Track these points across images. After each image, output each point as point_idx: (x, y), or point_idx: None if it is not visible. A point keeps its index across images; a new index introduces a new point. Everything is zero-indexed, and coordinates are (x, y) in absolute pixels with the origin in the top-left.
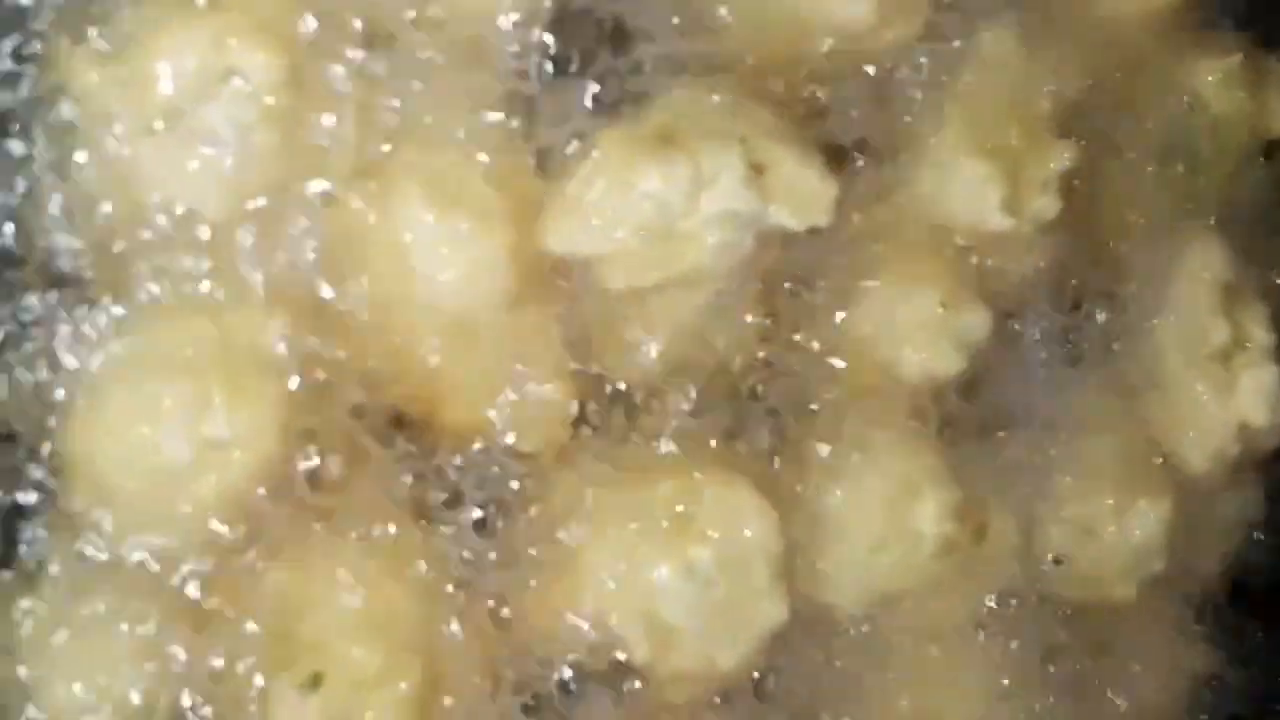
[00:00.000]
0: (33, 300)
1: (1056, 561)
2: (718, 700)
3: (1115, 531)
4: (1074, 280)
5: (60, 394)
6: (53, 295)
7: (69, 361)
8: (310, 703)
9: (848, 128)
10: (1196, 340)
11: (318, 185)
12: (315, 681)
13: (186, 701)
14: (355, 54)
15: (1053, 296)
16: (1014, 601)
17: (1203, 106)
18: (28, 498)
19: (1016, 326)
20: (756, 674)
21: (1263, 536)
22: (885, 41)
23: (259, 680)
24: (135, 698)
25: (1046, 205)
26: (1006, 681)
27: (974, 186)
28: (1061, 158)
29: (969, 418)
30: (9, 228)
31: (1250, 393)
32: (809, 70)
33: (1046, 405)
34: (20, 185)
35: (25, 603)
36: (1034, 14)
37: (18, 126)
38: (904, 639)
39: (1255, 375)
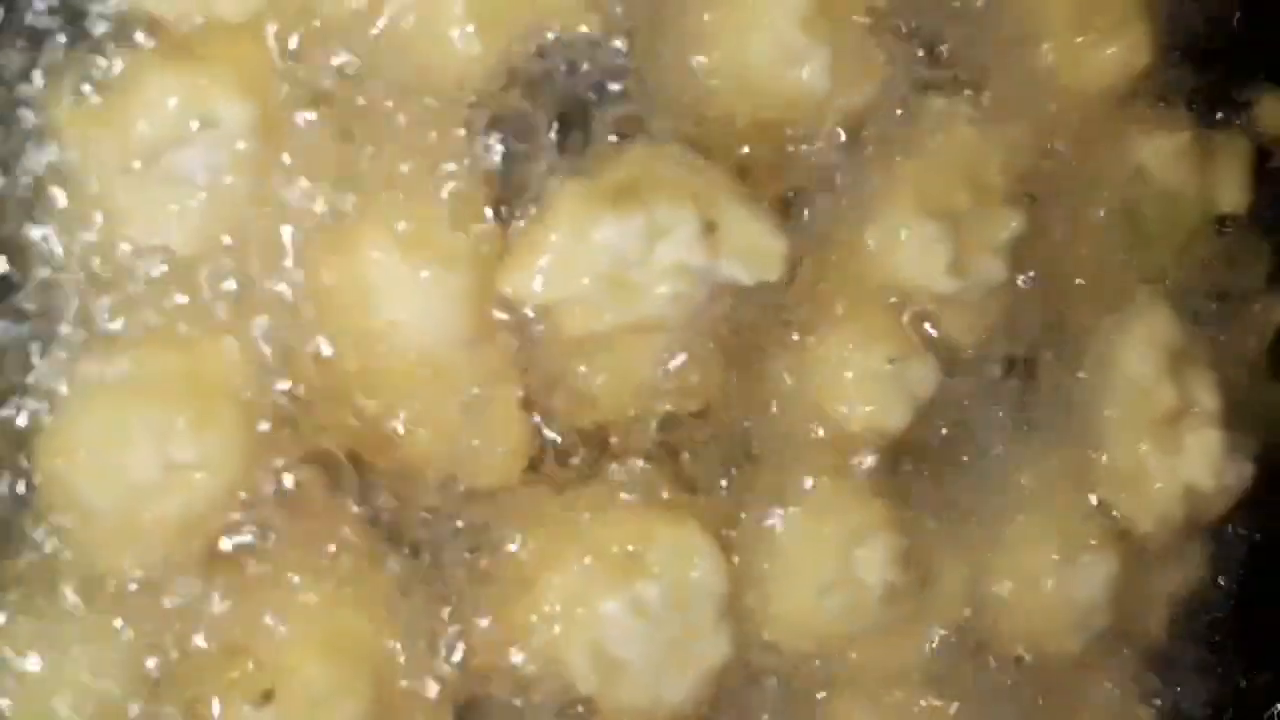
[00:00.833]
0: (12, 325)
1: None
2: None
3: (1059, 586)
4: (1024, 341)
5: (38, 415)
6: (33, 320)
7: (46, 383)
8: (261, 718)
9: (800, 186)
10: (1144, 403)
11: (286, 227)
12: (266, 697)
13: (141, 714)
14: (325, 104)
15: (1002, 356)
16: (960, 649)
17: (1151, 179)
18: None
19: (965, 383)
20: (701, 711)
21: (1206, 598)
22: (839, 106)
23: (213, 695)
24: (92, 709)
25: (994, 269)
26: None
27: (922, 248)
28: (1009, 224)
29: (917, 469)
30: None
31: (1196, 456)
32: (764, 130)
33: (995, 461)
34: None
35: None
36: (989, 82)
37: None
38: (850, 681)
39: (1201, 439)
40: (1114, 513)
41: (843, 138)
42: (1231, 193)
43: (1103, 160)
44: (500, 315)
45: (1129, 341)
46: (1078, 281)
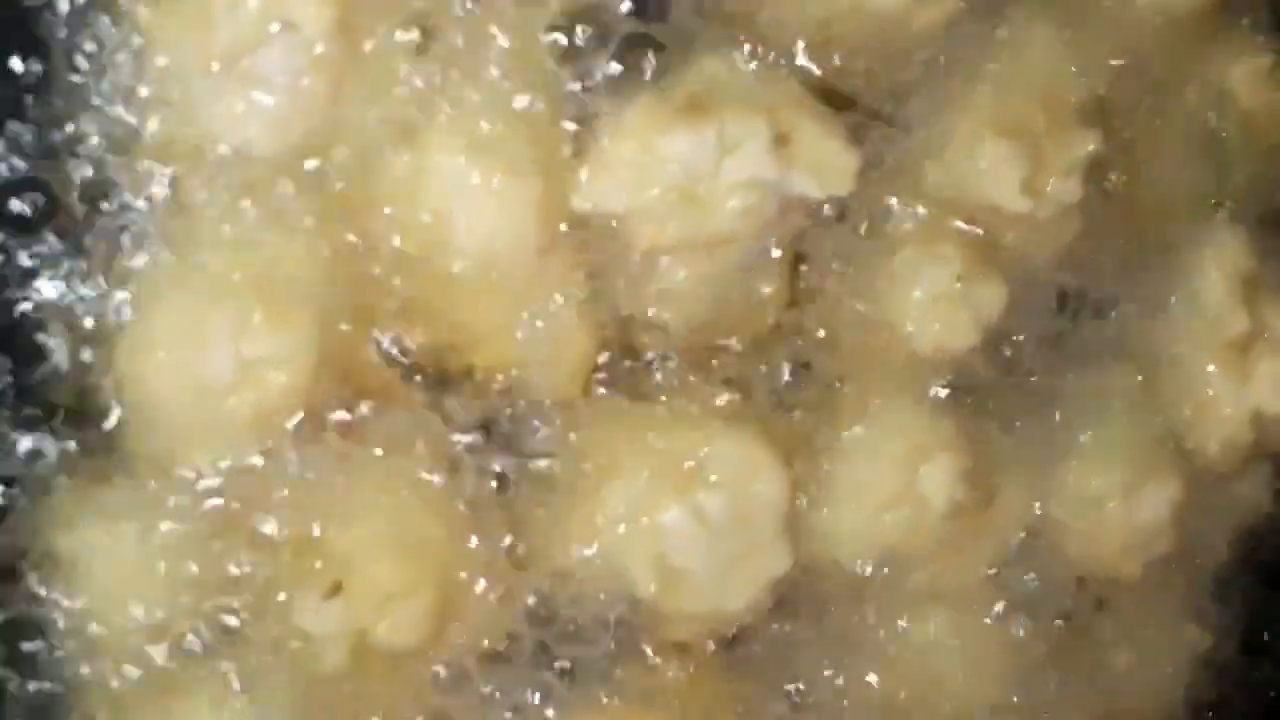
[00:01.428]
0: (94, 224)
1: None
2: (721, 642)
3: (1123, 509)
4: (1096, 262)
5: (113, 313)
6: (113, 219)
7: (123, 283)
8: (329, 609)
9: (874, 102)
10: (1215, 328)
11: (362, 132)
12: (335, 590)
13: (216, 602)
14: (402, 12)
15: (1073, 277)
16: (1022, 568)
17: (1232, 102)
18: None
19: (1035, 304)
20: (759, 621)
21: (1270, 524)
22: (919, 22)
23: (285, 586)
24: (169, 596)
25: (1068, 190)
26: (1007, 644)
27: (996, 167)
28: (1085, 145)
29: (984, 389)
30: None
31: (1266, 382)
32: (839, 45)
33: (1063, 382)
34: (83, 113)
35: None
36: (1068, 3)
37: (87, 56)
38: (908, 597)
39: (1272, 365)
40: (1180, 437)
41: (920, 55)
42: None
43: (1183, 82)
44: (570, 226)
45: (1203, 265)
46: (1153, 204)
